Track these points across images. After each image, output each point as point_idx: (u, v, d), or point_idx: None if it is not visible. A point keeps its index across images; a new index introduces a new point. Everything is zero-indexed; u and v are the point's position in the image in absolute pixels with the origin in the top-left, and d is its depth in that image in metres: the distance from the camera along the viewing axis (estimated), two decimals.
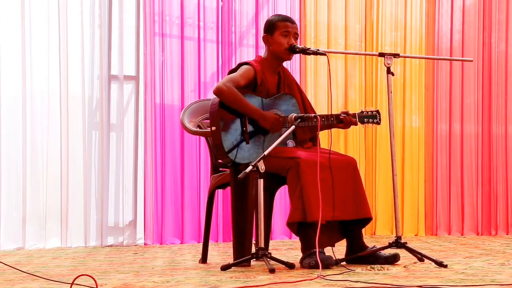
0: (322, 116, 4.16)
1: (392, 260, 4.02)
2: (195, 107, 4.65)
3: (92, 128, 6.25)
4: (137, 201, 6.35)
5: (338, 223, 4.15)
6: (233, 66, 4.43)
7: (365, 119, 4.26)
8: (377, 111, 4.28)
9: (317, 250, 3.76)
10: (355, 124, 4.26)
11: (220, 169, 4.50)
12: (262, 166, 3.81)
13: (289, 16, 4.54)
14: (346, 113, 4.24)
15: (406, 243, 4.01)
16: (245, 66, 4.31)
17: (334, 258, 3.91)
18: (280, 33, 4.30)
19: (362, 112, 4.27)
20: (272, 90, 4.33)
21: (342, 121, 4.22)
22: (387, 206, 6.94)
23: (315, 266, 3.73)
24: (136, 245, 6.24)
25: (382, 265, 3.89)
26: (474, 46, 7.17)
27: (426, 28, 7.15)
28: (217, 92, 4.18)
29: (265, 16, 6.48)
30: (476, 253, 4.84)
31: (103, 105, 6.25)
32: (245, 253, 4.13)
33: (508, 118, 7.21)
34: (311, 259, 3.85)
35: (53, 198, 6.11)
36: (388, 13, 7.11)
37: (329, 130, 4.34)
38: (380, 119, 4.28)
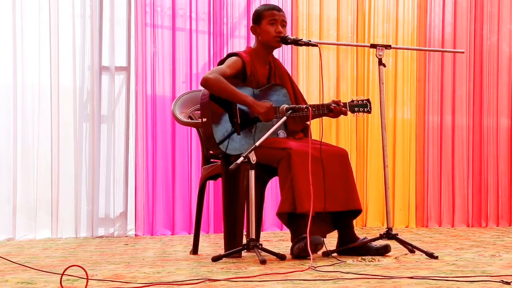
0: (313, 107, 4.15)
1: (383, 251, 4.02)
2: (186, 98, 4.64)
3: (83, 120, 6.23)
4: (128, 192, 6.34)
5: (330, 215, 4.15)
6: (224, 56, 4.42)
7: (356, 108, 4.24)
8: (368, 100, 4.26)
9: (308, 239, 3.75)
10: (345, 114, 4.25)
11: (211, 160, 4.49)
12: (253, 157, 3.80)
13: (277, 5, 4.52)
14: (337, 102, 4.23)
15: (397, 234, 4.02)
16: (232, 58, 4.30)
17: (325, 249, 3.92)
18: (267, 21, 4.28)
19: (352, 101, 4.26)
20: (263, 81, 4.32)
21: (332, 110, 4.21)
22: (378, 197, 6.95)
23: (305, 250, 3.73)
24: (127, 236, 6.23)
25: (373, 257, 3.90)
26: (465, 38, 7.17)
27: (418, 20, 7.15)
28: (204, 83, 4.16)
29: (257, 7, 6.46)
30: (467, 245, 4.85)
31: (94, 96, 6.22)
32: (236, 244, 4.12)
33: (500, 110, 7.22)
34: (301, 243, 3.85)
35: (44, 189, 6.10)
36: (380, 5, 7.10)
37: (320, 120, 4.33)
38: (370, 108, 4.27)
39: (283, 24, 4.30)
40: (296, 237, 3.95)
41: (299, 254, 3.87)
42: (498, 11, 7.25)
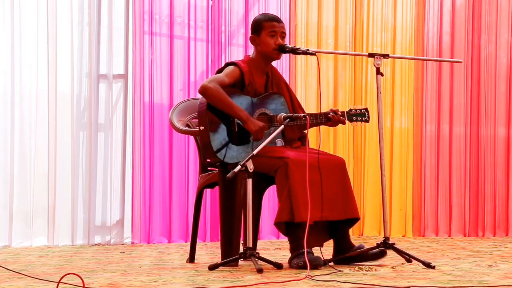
0: (311, 115, 4.15)
1: (378, 255, 4.01)
2: (184, 106, 4.64)
3: (80, 128, 6.22)
4: (125, 200, 6.33)
5: (326, 223, 4.14)
6: (222, 65, 4.42)
7: (354, 117, 4.25)
8: (366, 109, 4.26)
9: (305, 250, 3.75)
10: (343, 123, 4.25)
11: (209, 168, 4.49)
12: (250, 166, 3.80)
13: (277, 15, 4.53)
14: (335, 111, 4.23)
15: (394, 244, 4.01)
16: (231, 67, 4.30)
17: (323, 259, 3.91)
18: (267, 33, 4.28)
19: (350, 110, 4.26)
20: (260, 90, 4.31)
21: (330, 119, 4.21)
22: (375, 206, 6.94)
23: (304, 267, 3.73)
24: (123, 244, 6.22)
25: (371, 266, 3.89)
26: (463, 47, 7.18)
27: (415, 29, 7.15)
28: (202, 91, 4.16)
29: (255, 15, 6.45)
30: (464, 255, 4.84)
31: (91, 103, 6.22)
32: (233, 252, 4.12)
33: (497, 120, 7.22)
34: (300, 260, 3.84)
35: (41, 197, 6.09)
36: (378, 14, 7.11)
37: (318, 128, 4.32)
38: (368, 117, 4.27)
39: (283, 36, 4.30)
40: (295, 250, 3.94)
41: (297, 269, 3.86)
42: (496, 20, 7.25)
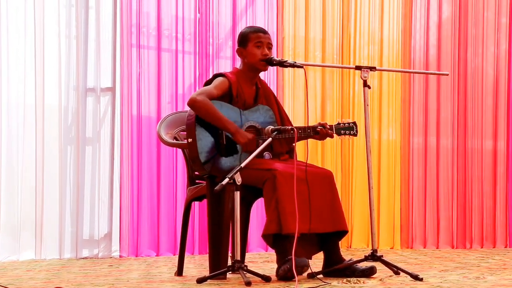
0: (299, 129, 4.15)
1: (369, 273, 4.02)
2: (171, 118, 4.64)
3: (67, 142, 6.20)
4: (113, 213, 6.31)
5: (316, 236, 4.14)
6: (210, 77, 4.43)
7: (342, 131, 4.25)
8: (354, 123, 4.27)
9: (293, 259, 3.75)
10: (331, 136, 4.25)
11: (197, 181, 4.49)
12: (238, 178, 3.80)
13: (263, 27, 4.54)
14: (323, 125, 4.23)
15: (382, 256, 4.01)
16: (219, 78, 4.31)
17: (311, 271, 3.91)
18: (253, 44, 4.29)
19: (339, 123, 4.27)
20: (249, 101, 4.32)
21: (318, 132, 4.21)
22: (363, 219, 6.95)
23: (291, 273, 3.72)
24: (111, 257, 6.19)
25: (359, 278, 3.89)
26: (450, 60, 7.22)
27: (402, 42, 7.19)
28: (192, 104, 4.16)
29: (242, 28, 6.46)
30: (452, 267, 4.85)
31: (79, 117, 6.21)
32: (221, 265, 4.11)
33: (484, 132, 7.26)
34: (286, 265, 3.84)
35: (28, 210, 6.06)
36: (365, 26, 7.14)
37: (306, 141, 4.34)
38: (357, 131, 4.28)
39: (269, 46, 4.31)
40: (282, 259, 3.94)
41: (284, 275, 3.86)
42: (482, 33, 7.30)
